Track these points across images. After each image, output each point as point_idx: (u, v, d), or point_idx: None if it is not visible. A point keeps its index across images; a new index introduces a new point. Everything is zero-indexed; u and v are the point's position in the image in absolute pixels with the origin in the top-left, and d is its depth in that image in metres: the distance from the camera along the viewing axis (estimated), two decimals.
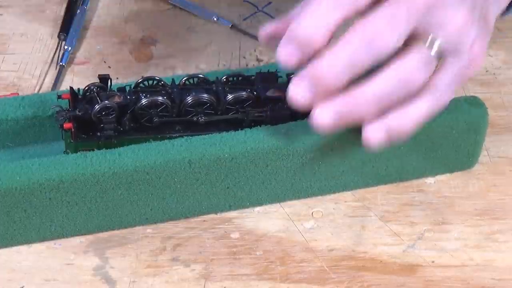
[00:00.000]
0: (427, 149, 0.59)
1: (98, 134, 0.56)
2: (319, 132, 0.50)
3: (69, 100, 0.57)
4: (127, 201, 0.55)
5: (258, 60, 0.72)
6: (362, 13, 0.46)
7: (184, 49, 0.73)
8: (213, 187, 0.56)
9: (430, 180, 0.60)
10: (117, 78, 0.69)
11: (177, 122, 0.58)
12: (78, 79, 0.70)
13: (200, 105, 0.57)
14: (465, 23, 0.47)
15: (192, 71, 0.70)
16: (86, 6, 0.76)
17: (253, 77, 0.59)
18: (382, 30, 0.45)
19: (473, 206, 0.58)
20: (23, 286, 0.53)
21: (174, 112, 0.57)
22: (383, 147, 0.51)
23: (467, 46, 0.48)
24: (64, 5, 0.77)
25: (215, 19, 0.75)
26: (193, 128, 0.58)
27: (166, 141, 0.55)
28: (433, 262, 0.55)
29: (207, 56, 0.72)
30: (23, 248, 0.56)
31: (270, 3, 0.77)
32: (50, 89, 0.68)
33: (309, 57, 0.47)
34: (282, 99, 0.58)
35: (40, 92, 0.68)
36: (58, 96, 0.57)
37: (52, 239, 0.56)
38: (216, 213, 0.58)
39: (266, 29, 0.52)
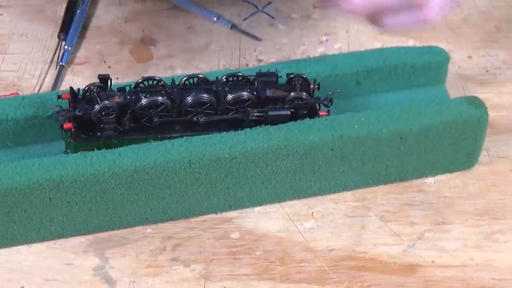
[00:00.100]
0: (427, 149, 0.59)
1: (98, 134, 0.56)
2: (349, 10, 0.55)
3: (69, 100, 0.57)
4: (127, 201, 0.55)
5: (258, 60, 0.72)
6: None
7: (184, 49, 0.73)
8: (213, 187, 0.56)
9: (430, 180, 0.60)
10: (117, 78, 0.69)
11: (177, 122, 0.58)
12: (78, 79, 0.70)
13: (200, 105, 0.57)
14: None
15: (192, 71, 0.70)
16: (86, 6, 0.76)
17: (253, 77, 0.59)
18: None
19: (473, 206, 0.58)
20: (23, 286, 0.53)
21: (174, 112, 0.57)
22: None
23: None
24: (64, 5, 0.77)
25: (215, 19, 0.75)
26: (193, 128, 0.58)
27: (166, 141, 0.55)
28: (433, 262, 0.55)
29: (207, 56, 0.72)
30: (23, 248, 0.56)
31: (270, 3, 0.77)
32: (50, 89, 0.68)
33: None
34: (282, 99, 0.58)
35: (40, 92, 0.68)
36: (58, 96, 0.57)
37: (52, 239, 0.56)
38: (216, 213, 0.58)
39: None
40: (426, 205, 0.59)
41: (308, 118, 0.57)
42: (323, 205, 0.59)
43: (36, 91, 0.68)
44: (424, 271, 0.54)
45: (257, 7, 0.77)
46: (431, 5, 0.56)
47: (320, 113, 0.58)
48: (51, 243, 0.56)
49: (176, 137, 0.56)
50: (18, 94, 0.65)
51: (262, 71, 0.60)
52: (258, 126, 0.56)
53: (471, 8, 0.77)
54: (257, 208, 0.59)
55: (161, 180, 0.55)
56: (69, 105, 0.57)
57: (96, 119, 0.56)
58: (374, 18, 0.57)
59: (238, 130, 0.56)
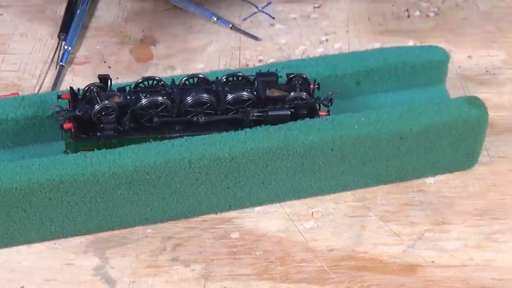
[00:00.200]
0: (427, 149, 0.59)
1: (98, 134, 0.56)
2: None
3: (69, 100, 0.57)
4: (127, 201, 0.55)
5: (258, 60, 0.72)
6: None
7: (184, 49, 0.73)
8: (213, 187, 0.56)
9: (430, 180, 0.60)
10: (117, 78, 0.69)
11: (177, 122, 0.58)
12: (78, 79, 0.70)
13: (200, 105, 0.57)
14: None
15: (192, 71, 0.70)
16: (86, 6, 0.76)
17: (253, 77, 0.59)
18: None
19: (473, 206, 0.58)
20: (23, 286, 0.53)
21: (174, 112, 0.57)
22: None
23: None
24: (64, 5, 0.77)
25: (215, 19, 0.75)
26: (193, 128, 0.58)
27: (166, 141, 0.55)
28: (433, 262, 0.55)
29: (207, 56, 0.72)
30: (23, 248, 0.56)
31: (270, 3, 0.77)
32: (50, 89, 0.68)
33: None
34: (282, 99, 0.58)
35: (40, 92, 0.68)
36: (58, 96, 0.57)
37: (52, 239, 0.56)
38: (216, 213, 0.58)
39: None
40: (426, 205, 0.59)
41: (308, 118, 0.57)
42: (323, 205, 0.59)
43: (36, 91, 0.68)
44: (424, 271, 0.54)
45: (257, 7, 0.77)
46: None
47: (320, 113, 0.58)
48: (51, 243, 0.56)
49: (176, 137, 0.56)
50: (18, 94, 0.65)
51: (262, 71, 0.60)
52: (258, 126, 0.56)
53: (471, 8, 0.77)
54: (257, 208, 0.59)
55: (161, 180, 0.55)
56: (69, 105, 0.57)
57: (96, 119, 0.56)
58: None
59: (238, 130, 0.56)
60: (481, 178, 0.61)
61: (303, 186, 0.58)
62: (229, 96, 0.57)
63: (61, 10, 0.77)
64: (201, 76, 0.59)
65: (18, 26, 0.76)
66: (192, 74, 0.59)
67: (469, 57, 0.72)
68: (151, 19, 0.77)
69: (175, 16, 0.77)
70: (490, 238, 0.56)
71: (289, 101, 0.58)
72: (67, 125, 0.55)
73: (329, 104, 0.59)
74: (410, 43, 0.73)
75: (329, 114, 0.58)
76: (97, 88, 0.57)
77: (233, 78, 0.59)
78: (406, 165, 0.59)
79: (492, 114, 0.61)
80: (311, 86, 0.59)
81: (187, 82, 0.59)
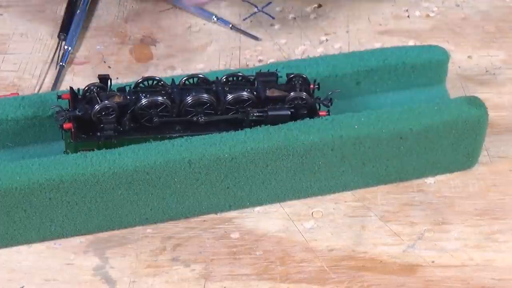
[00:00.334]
0: (427, 149, 0.59)
1: (98, 134, 0.56)
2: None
3: (69, 100, 0.57)
4: (127, 201, 0.55)
5: (258, 60, 0.72)
6: None
7: (184, 49, 0.73)
8: (213, 187, 0.56)
9: (430, 180, 0.60)
10: (117, 78, 0.69)
11: (177, 122, 0.58)
12: (78, 79, 0.70)
13: (200, 105, 0.57)
14: None
15: (192, 71, 0.70)
16: (86, 6, 0.76)
17: (253, 77, 0.59)
18: None
19: (473, 206, 0.58)
20: (23, 286, 0.53)
21: (174, 112, 0.57)
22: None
23: None
24: (64, 5, 0.76)
25: (215, 19, 0.75)
26: (193, 128, 0.58)
27: (166, 141, 0.55)
28: (433, 262, 0.55)
29: (207, 56, 0.72)
30: (23, 248, 0.56)
31: (270, 3, 0.77)
32: (50, 89, 0.68)
33: None
34: (282, 99, 0.58)
35: (40, 92, 0.68)
36: (58, 96, 0.57)
37: (52, 239, 0.56)
38: (216, 213, 0.58)
39: None
40: (426, 205, 0.59)
41: (308, 118, 0.57)
42: (323, 205, 0.59)
43: (36, 91, 0.68)
44: (424, 271, 0.54)
45: (257, 7, 0.77)
46: None
47: (320, 113, 0.58)
48: (51, 243, 0.56)
49: (176, 137, 0.56)
50: (18, 94, 0.65)
51: (262, 71, 0.60)
52: (258, 126, 0.56)
53: (471, 8, 0.77)
54: (257, 208, 0.59)
55: (161, 180, 0.55)
56: (69, 105, 0.57)
57: (96, 119, 0.56)
58: None
59: (238, 130, 0.56)
60: (481, 178, 0.61)
61: (303, 186, 0.58)
62: (229, 96, 0.57)
63: (61, 10, 0.77)
64: (201, 76, 0.59)
65: (18, 26, 0.76)
66: (192, 74, 0.59)
67: (469, 57, 0.72)
68: (151, 19, 0.77)
69: (175, 16, 0.77)
70: (490, 238, 0.56)
71: (289, 101, 0.58)
72: (67, 125, 0.55)
73: (329, 104, 0.59)
74: (410, 43, 0.73)
75: (329, 114, 0.58)
76: (97, 88, 0.57)
77: (233, 78, 0.59)
78: (406, 165, 0.59)
79: (492, 114, 0.61)
80: (311, 86, 0.59)
81: (187, 82, 0.59)
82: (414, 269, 0.54)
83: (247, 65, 0.71)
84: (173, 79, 0.59)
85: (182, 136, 0.56)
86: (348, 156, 0.57)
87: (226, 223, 0.58)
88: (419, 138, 0.58)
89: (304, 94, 0.58)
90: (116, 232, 0.57)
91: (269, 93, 0.58)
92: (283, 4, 0.78)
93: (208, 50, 0.73)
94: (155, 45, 0.74)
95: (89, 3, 0.76)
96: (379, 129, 0.57)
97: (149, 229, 0.57)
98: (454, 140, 0.59)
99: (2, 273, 0.54)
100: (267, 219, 0.58)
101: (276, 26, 0.75)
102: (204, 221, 0.58)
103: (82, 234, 0.56)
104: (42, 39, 0.74)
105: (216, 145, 0.55)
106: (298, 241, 0.56)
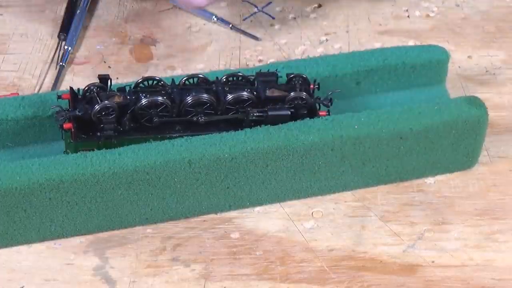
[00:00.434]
0: (427, 149, 0.59)
1: (98, 134, 0.56)
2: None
3: (69, 100, 0.57)
4: (127, 201, 0.55)
5: (258, 60, 0.72)
6: None
7: (184, 49, 0.73)
8: (213, 187, 0.56)
9: (430, 180, 0.60)
10: (117, 78, 0.69)
11: (177, 122, 0.58)
12: (78, 79, 0.70)
13: (200, 105, 0.57)
14: None
15: (192, 71, 0.70)
16: (86, 6, 0.76)
17: (253, 77, 0.59)
18: None
19: (473, 206, 0.58)
20: (23, 286, 0.53)
21: (174, 112, 0.57)
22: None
23: None
24: (64, 5, 0.76)
25: (215, 19, 0.75)
26: (193, 128, 0.58)
27: (166, 141, 0.55)
28: (433, 262, 0.55)
29: (207, 56, 0.72)
30: (23, 248, 0.56)
31: (270, 3, 0.77)
32: (50, 89, 0.68)
33: None
34: (282, 99, 0.58)
35: (40, 92, 0.68)
36: (58, 96, 0.57)
37: (52, 239, 0.56)
38: (216, 213, 0.58)
39: None
40: (426, 205, 0.59)
41: (308, 118, 0.57)
42: (323, 205, 0.59)
43: (36, 91, 0.68)
44: (424, 271, 0.54)
45: (257, 7, 0.77)
46: None
47: (320, 113, 0.58)
48: (51, 243, 0.56)
49: (176, 137, 0.56)
50: (18, 94, 0.65)
51: (262, 71, 0.60)
52: (258, 126, 0.56)
53: (471, 8, 0.77)
54: (257, 208, 0.59)
55: (161, 180, 0.55)
56: (69, 105, 0.57)
57: (96, 119, 0.56)
58: None
59: (238, 130, 0.56)
60: (481, 178, 0.61)
61: (303, 186, 0.58)
62: (229, 96, 0.57)
63: (61, 10, 0.77)
64: (201, 76, 0.59)
65: (18, 26, 0.76)
66: (192, 74, 0.59)
67: (469, 57, 0.72)
68: (151, 19, 0.77)
69: (175, 16, 0.77)
70: (490, 238, 0.56)
71: (289, 101, 0.58)
72: (67, 125, 0.55)
73: (329, 104, 0.59)
74: (410, 43, 0.73)
75: (329, 114, 0.58)
76: (97, 88, 0.57)
77: (233, 78, 0.59)
78: (406, 165, 0.59)
79: (492, 114, 0.61)
80: (311, 86, 0.59)
81: (187, 82, 0.59)
82: (414, 269, 0.54)
83: (247, 65, 0.71)
84: (173, 79, 0.59)
85: (182, 136, 0.56)
86: (348, 156, 0.57)
87: (226, 223, 0.58)
88: (419, 138, 0.58)
89: (304, 94, 0.58)
90: (116, 232, 0.57)
91: (269, 93, 0.58)
92: (283, 4, 0.78)
93: (208, 50, 0.73)
94: (155, 45, 0.74)
95: (89, 3, 0.76)
96: (379, 129, 0.57)
97: (149, 229, 0.57)
98: (454, 140, 0.59)
99: (2, 273, 0.54)
100: (267, 219, 0.58)
101: (276, 26, 0.75)
102: (204, 221, 0.58)
103: (82, 234, 0.56)
104: (42, 39, 0.74)
105: (216, 145, 0.55)
106: (298, 241, 0.56)
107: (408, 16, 0.77)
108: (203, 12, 0.76)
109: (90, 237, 0.56)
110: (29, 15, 0.77)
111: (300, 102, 0.58)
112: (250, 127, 0.56)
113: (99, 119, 0.56)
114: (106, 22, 0.76)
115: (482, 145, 0.61)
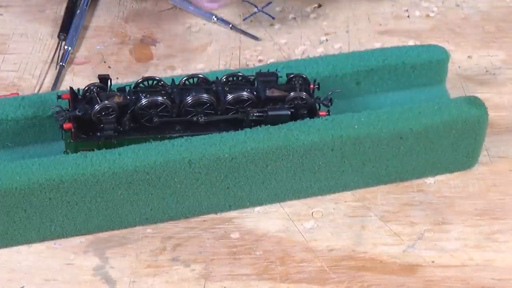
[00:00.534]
0: (427, 149, 0.59)
1: (98, 134, 0.56)
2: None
3: (69, 100, 0.57)
4: (127, 201, 0.55)
5: (258, 60, 0.72)
6: None
7: (184, 49, 0.73)
8: (213, 187, 0.56)
9: (430, 180, 0.60)
10: (117, 78, 0.69)
11: (177, 122, 0.58)
12: (78, 79, 0.70)
13: (200, 105, 0.57)
14: None
15: (192, 71, 0.70)
16: (86, 6, 0.76)
17: (253, 77, 0.59)
18: None
19: (473, 206, 0.58)
20: (23, 286, 0.53)
21: (174, 112, 0.57)
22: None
23: None
24: (64, 5, 0.77)
25: (215, 19, 0.75)
26: (193, 128, 0.58)
27: (166, 141, 0.55)
28: (433, 262, 0.55)
29: (207, 56, 0.72)
30: (23, 248, 0.56)
31: (270, 3, 0.77)
32: (50, 89, 0.68)
33: None
34: (282, 99, 0.58)
35: (40, 92, 0.68)
36: (58, 96, 0.57)
37: (52, 239, 0.56)
38: (216, 213, 0.58)
39: None
40: (426, 205, 0.59)
41: (308, 118, 0.57)
42: (323, 205, 0.59)
43: (36, 91, 0.68)
44: (424, 271, 0.54)
45: (257, 7, 0.77)
46: None
47: (320, 113, 0.58)
48: (51, 243, 0.56)
49: (176, 137, 0.56)
50: (18, 94, 0.65)
51: (262, 71, 0.60)
52: (258, 126, 0.56)
53: (471, 8, 0.77)
54: (257, 208, 0.59)
55: (161, 180, 0.55)
56: (69, 105, 0.57)
57: (96, 119, 0.56)
58: None
59: (238, 130, 0.56)
60: (481, 178, 0.61)
61: (303, 186, 0.58)
62: (229, 96, 0.57)
63: (61, 10, 0.77)
64: (201, 76, 0.59)
65: (18, 26, 0.76)
66: (192, 74, 0.59)
67: (469, 57, 0.72)
68: (151, 19, 0.77)
69: (175, 16, 0.77)
70: (490, 238, 0.56)
71: (289, 101, 0.58)
72: (67, 125, 0.55)
73: (329, 104, 0.59)
74: (410, 43, 0.73)
75: (329, 114, 0.58)
76: (97, 88, 0.57)
77: (233, 78, 0.59)
78: (406, 165, 0.59)
79: (492, 114, 0.61)
80: (311, 86, 0.59)
81: (187, 82, 0.59)
82: (414, 269, 0.54)
83: (247, 65, 0.71)
84: (173, 79, 0.59)
85: (182, 136, 0.56)
86: (348, 156, 0.57)
87: (226, 223, 0.58)
88: (419, 138, 0.58)
89: (304, 94, 0.58)
90: (116, 232, 0.57)
91: (269, 93, 0.58)
92: (283, 4, 0.78)
93: (208, 50, 0.73)
94: (155, 45, 0.74)
95: (89, 3, 0.76)
96: (379, 129, 0.57)
97: (149, 229, 0.57)
98: (454, 140, 0.59)
99: (2, 273, 0.54)
100: (267, 219, 0.58)
101: (276, 26, 0.75)
102: (204, 221, 0.58)
103: (82, 234, 0.56)
104: (42, 39, 0.74)
105: (216, 145, 0.55)
106: (298, 241, 0.56)
107: (408, 16, 0.77)
108: (203, 12, 0.76)
109: (90, 237, 0.56)
110: (29, 15, 0.77)
111: (300, 102, 0.58)
112: (250, 127, 0.56)
113: (99, 119, 0.56)
114: (106, 22, 0.76)
115: (482, 145, 0.61)
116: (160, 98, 0.56)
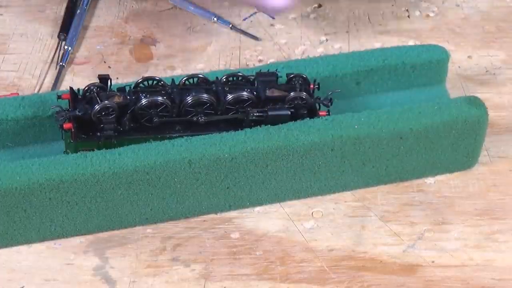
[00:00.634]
0: (427, 149, 0.59)
1: (98, 134, 0.56)
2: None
3: (69, 100, 0.57)
4: (127, 201, 0.55)
5: (258, 60, 0.72)
6: None
7: (184, 49, 0.73)
8: (213, 187, 0.56)
9: (430, 180, 0.60)
10: (117, 78, 0.69)
11: (177, 122, 0.58)
12: (78, 79, 0.70)
13: (200, 105, 0.57)
14: None
15: (192, 71, 0.70)
16: (86, 6, 0.76)
17: (253, 77, 0.59)
18: None
19: (473, 206, 0.58)
20: (23, 286, 0.53)
21: (174, 112, 0.57)
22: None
23: None
24: (64, 5, 0.77)
25: (215, 19, 0.75)
26: (193, 128, 0.58)
27: (166, 141, 0.55)
28: (433, 262, 0.55)
29: (207, 56, 0.72)
30: (23, 248, 0.56)
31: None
32: (50, 89, 0.68)
33: None
34: (282, 99, 0.58)
35: (40, 92, 0.68)
36: (58, 96, 0.57)
37: (52, 239, 0.56)
38: (216, 213, 0.58)
39: None
40: (426, 205, 0.59)
41: (308, 118, 0.57)
42: (323, 205, 0.59)
43: (36, 91, 0.68)
44: (424, 271, 0.54)
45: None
46: None
47: (320, 113, 0.58)
48: (51, 243, 0.56)
49: (176, 137, 0.56)
50: (18, 94, 0.65)
51: (262, 71, 0.60)
52: (258, 126, 0.56)
53: (471, 8, 0.77)
54: (257, 208, 0.59)
55: (161, 180, 0.55)
56: (69, 105, 0.57)
57: (96, 119, 0.56)
58: None
59: (238, 130, 0.56)
60: (481, 178, 0.61)
61: (303, 186, 0.58)
62: (229, 96, 0.57)
63: (61, 10, 0.77)
64: (201, 76, 0.59)
65: (18, 26, 0.76)
66: (192, 74, 0.59)
67: (469, 57, 0.72)
68: (151, 19, 0.77)
69: (175, 16, 0.77)
70: (490, 238, 0.56)
71: (289, 101, 0.58)
72: (67, 125, 0.55)
73: (329, 104, 0.59)
74: (410, 43, 0.73)
75: (329, 114, 0.58)
76: (97, 88, 0.57)
77: (233, 78, 0.59)
78: (406, 165, 0.59)
79: (492, 114, 0.61)
80: (311, 86, 0.59)
81: (187, 82, 0.59)
82: (414, 269, 0.54)
83: (247, 65, 0.71)
84: (173, 79, 0.59)
85: (182, 136, 0.56)
86: (348, 156, 0.57)
87: (226, 223, 0.58)
88: (419, 138, 0.58)
89: (304, 94, 0.58)
90: (116, 232, 0.57)
91: (269, 93, 0.58)
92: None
93: (208, 50, 0.73)
94: (155, 45, 0.74)
95: (89, 3, 0.76)
96: (379, 129, 0.57)
97: (149, 229, 0.57)
98: (454, 140, 0.59)
99: (2, 273, 0.54)
100: (267, 219, 0.58)
101: (276, 26, 0.75)
102: (204, 221, 0.58)
103: (82, 234, 0.56)
104: (42, 39, 0.74)
105: (216, 145, 0.55)
106: (298, 241, 0.56)
107: (408, 16, 0.77)
108: (203, 12, 0.76)
109: (90, 237, 0.56)
110: (29, 15, 0.77)
111: (300, 102, 0.58)
112: (250, 127, 0.56)
113: (99, 119, 0.56)
114: (106, 22, 0.76)
115: (482, 145, 0.61)
116: (160, 98, 0.56)
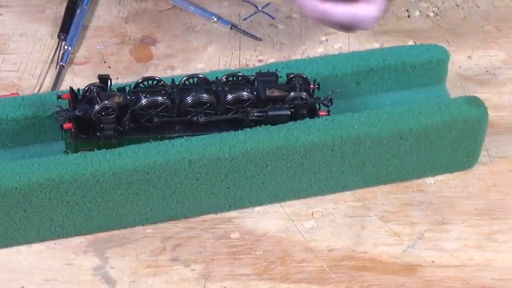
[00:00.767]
0: (427, 149, 0.59)
1: (98, 134, 0.56)
2: None
3: (69, 100, 0.57)
4: (127, 201, 0.55)
5: (258, 60, 0.72)
6: None
7: (184, 49, 0.73)
8: (213, 187, 0.56)
9: (430, 180, 0.60)
10: (117, 78, 0.69)
11: (177, 122, 0.58)
12: (78, 79, 0.70)
13: (200, 105, 0.57)
14: None
15: (192, 71, 0.70)
16: (86, 6, 0.76)
17: (253, 77, 0.59)
18: None
19: (473, 206, 0.58)
20: (23, 286, 0.53)
21: (174, 112, 0.57)
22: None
23: None
24: (64, 5, 0.77)
25: (215, 19, 0.75)
26: (193, 128, 0.58)
27: (166, 141, 0.55)
28: (433, 262, 0.55)
29: (207, 56, 0.72)
30: (23, 248, 0.56)
31: (270, 3, 0.77)
32: (50, 89, 0.68)
33: None
34: (282, 99, 0.58)
35: (40, 92, 0.68)
36: (58, 96, 0.57)
37: (52, 239, 0.56)
38: (216, 213, 0.58)
39: None
40: (426, 205, 0.59)
41: (308, 118, 0.57)
42: (323, 205, 0.59)
43: (36, 91, 0.68)
44: (424, 271, 0.54)
45: (257, 7, 0.77)
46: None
47: (320, 113, 0.58)
48: (51, 243, 0.56)
49: (176, 137, 0.56)
50: (18, 94, 0.65)
51: (262, 71, 0.60)
52: (258, 126, 0.56)
53: (471, 8, 0.77)
54: (257, 208, 0.59)
55: (161, 180, 0.55)
56: (69, 105, 0.57)
57: (96, 119, 0.56)
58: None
59: (238, 130, 0.56)
60: (481, 178, 0.61)
61: (303, 186, 0.58)
62: (229, 96, 0.57)
63: (61, 10, 0.77)
64: (201, 76, 0.59)
65: (18, 26, 0.76)
66: (192, 74, 0.59)
67: (469, 57, 0.72)
68: (151, 19, 0.77)
69: (175, 16, 0.77)
70: (490, 238, 0.56)
71: (289, 101, 0.58)
72: (67, 125, 0.55)
73: (329, 104, 0.59)
74: (410, 43, 0.73)
75: (329, 114, 0.58)
76: (97, 88, 0.57)
77: (233, 78, 0.59)
78: (406, 165, 0.59)
79: (492, 114, 0.61)
80: (311, 86, 0.59)
81: (187, 82, 0.59)
82: (414, 269, 0.54)
83: (247, 65, 0.71)
84: (173, 79, 0.59)
85: (182, 136, 0.56)
86: (348, 156, 0.57)
87: (226, 223, 0.58)
88: (419, 138, 0.58)
89: (304, 94, 0.58)
90: (116, 232, 0.57)
91: (269, 93, 0.58)
92: (283, 4, 0.78)
93: (208, 50, 0.73)
94: (155, 45, 0.74)
95: (89, 3, 0.76)
96: (379, 129, 0.57)
97: (149, 229, 0.57)
98: (454, 140, 0.59)
99: (2, 273, 0.54)
100: (267, 219, 0.58)
101: (276, 26, 0.75)
102: (204, 221, 0.58)
103: (82, 234, 0.56)
104: (42, 39, 0.74)
105: (216, 145, 0.55)
106: (298, 241, 0.56)
107: (408, 16, 0.77)
108: (203, 12, 0.76)
109: (90, 237, 0.56)
110: (29, 15, 0.77)
111: (300, 102, 0.58)
112: (250, 127, 0.56)
113: (99, 119, 0.56)
114: (106, 22, 0.76)
115: (482, 145, 0.61)
116: (160, 98, 0.56)
